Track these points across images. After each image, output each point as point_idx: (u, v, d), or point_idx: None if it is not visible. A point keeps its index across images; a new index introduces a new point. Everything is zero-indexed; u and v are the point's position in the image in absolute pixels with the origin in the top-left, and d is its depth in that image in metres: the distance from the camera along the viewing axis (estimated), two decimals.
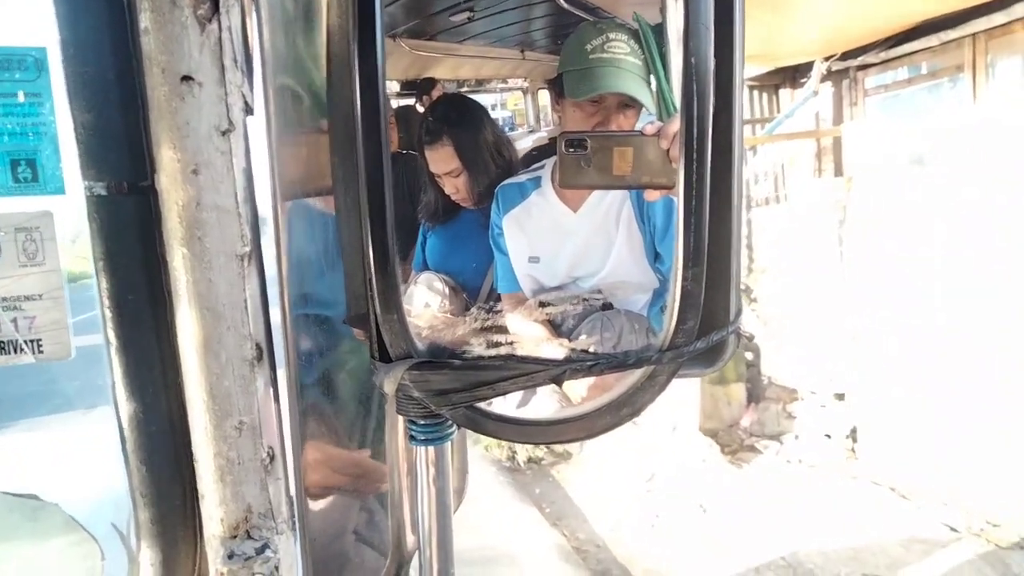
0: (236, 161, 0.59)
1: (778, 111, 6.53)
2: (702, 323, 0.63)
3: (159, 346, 0.63)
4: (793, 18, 4.13)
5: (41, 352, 0.63)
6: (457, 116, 1.68)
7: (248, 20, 0.63)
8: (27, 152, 0.60)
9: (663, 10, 0.65)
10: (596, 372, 0.64)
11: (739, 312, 0.65)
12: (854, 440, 5.30)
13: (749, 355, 5.87)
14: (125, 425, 0.65)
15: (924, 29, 4.40)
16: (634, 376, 0.65)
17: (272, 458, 0.66)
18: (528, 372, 0.64)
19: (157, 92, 0.56)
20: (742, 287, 5.32)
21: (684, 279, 0.62)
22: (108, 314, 0.63)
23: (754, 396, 5.91)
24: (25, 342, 0.62)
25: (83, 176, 0.60)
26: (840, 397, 5.45)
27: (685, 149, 0.62)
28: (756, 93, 6.80)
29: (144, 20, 0.56)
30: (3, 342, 0.62)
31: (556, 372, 0.64)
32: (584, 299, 1.32)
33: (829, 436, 5.39)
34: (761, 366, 5.84)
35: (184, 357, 0.62)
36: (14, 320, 0.61)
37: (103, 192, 0.61)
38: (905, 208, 4.77)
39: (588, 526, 4.70)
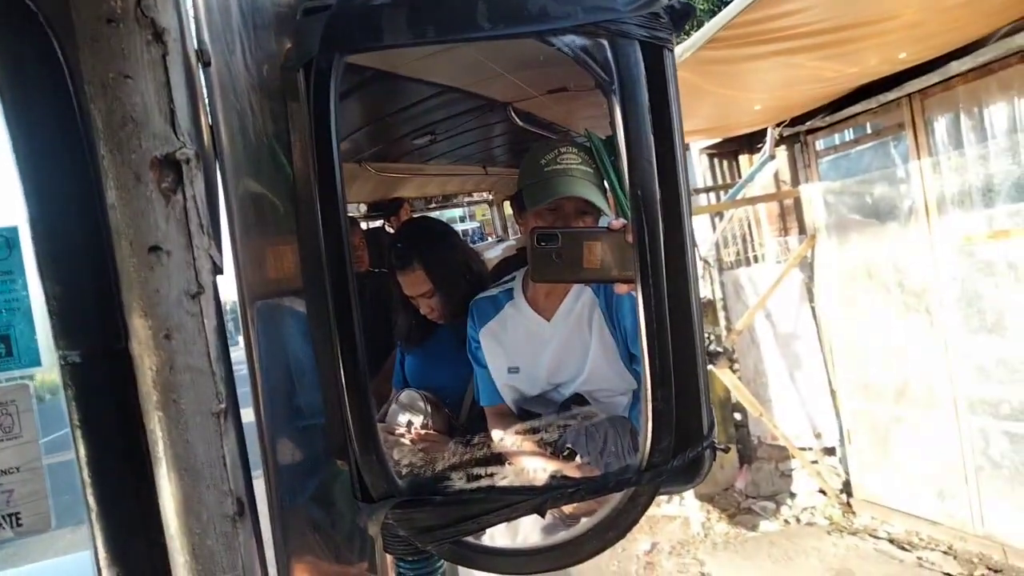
0: (207, 321, 0.60)
1: (739, 176, 6.70)
2: (677, 440, 0.63)
3: (140, 509, 0.62)
4: (741, 91, 4.28)
5: (20, 526, 0.61)
6: (425, 239, 1.70)
7: (213, 177, 0.64)
8: (1, 328, 0.60)
9: (612, 124, 0.67)
10: (577, 498, 0.64)
11: (712, 426, 0.65)
12: (848, 494, 5.24)
13: (738, 416, 5.84)
14: None
15: (864, 92, 4.57)
16: (616, 498, 0.65)
17: None
18: (510, 503, 0.64)
19: (126, 263, 0.57)
20: (720, 349, 5.35)
21: (654, 399, 0.63)
22: (87, 480, 0.62)
23: (746, 457, 5.85)
24: (3, 517, 0.61)
25: (56, 345, 0.60)
26: (830, 451, 5.42)
27: (640, 276, 0.63)
28: (716, 160, 6.98)
29: (110, 196, 0.57)
30: None
31: (537, 501, 0.64)
32: (561, 424, 1.31)
33: (824, 492, 5.32)
34: (749, 426, 5.80)
35: (165, 519, 0.60)
36: None
37: (77, 360, 0.60)
38: (866, 260, 4.86)
39: None
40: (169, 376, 0.58)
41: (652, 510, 5.44)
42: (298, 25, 0.68)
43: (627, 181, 0.66)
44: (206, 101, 0.64)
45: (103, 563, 0.62)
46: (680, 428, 0.63)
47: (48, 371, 0.64)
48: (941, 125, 4.31)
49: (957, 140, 4.21)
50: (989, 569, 4.14)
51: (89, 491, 0.62)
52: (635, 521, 0.64)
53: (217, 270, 0.62)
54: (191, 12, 0.62)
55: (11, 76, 0.59)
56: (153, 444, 0.59)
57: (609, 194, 1.39)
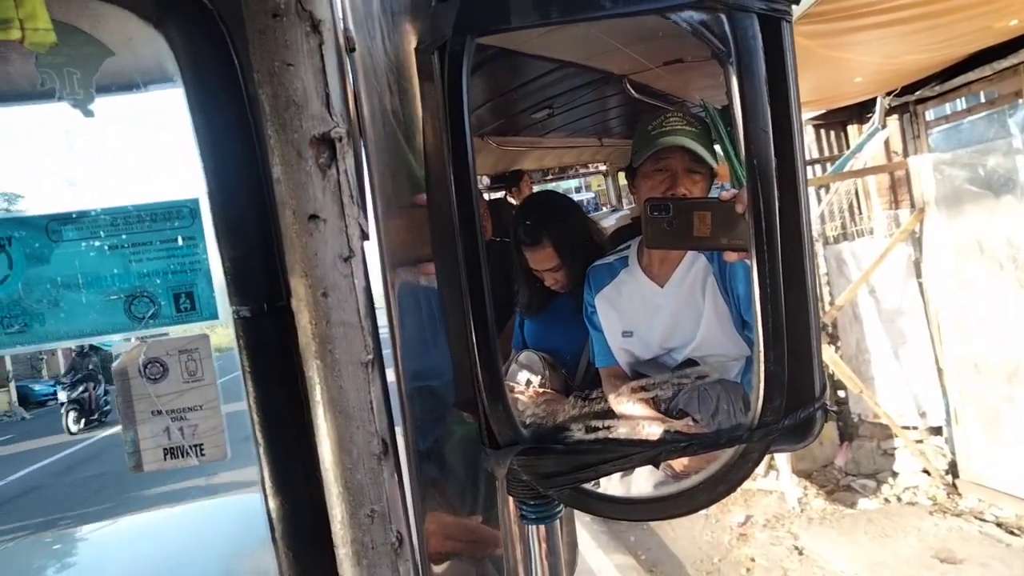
0: (357, 282, 0.66)
1: (846, 147, 6.39)
2: (788, 400, 0.65)
3: (299, 445, 0.69)
4: (850, 57, 4.08)
5: (203, 455, 0.70)
6: (554, 217, 1.73)
7: (359, 155, 0.70)
8: (186, 286, 0.68)
9: (728, 95, 0.68)
10: (690, 452, 0.67)
11: (824, 388, 0.66)
12: (954, 475, 4.99)
13: (840, 393, 5.64)
14: (273, 515, 0.70)
15: (978, 59, 4.28)
16: (727, 453, 0.67)
17: (400, 541, 0.70)
18: (626, 454, 0.67)
19: (289, 230, 0.63)
20: (822, 325, 5.16)
21: (767, 361, 0.64)
22: (255, 418, 0.69)
23: (846, 435, 5.65)
24: (189, 447, 0.69)
25: (230, 302, 0.68)
26: (936, 431, 5.16)
27: (755, 240, 0.64)
28: (823, 131, 6.68)
29: (276, 171, 0.63)
30: (173, 448, 0.69)
31: (652, 453, 0.67)
32: (676, 383, 1.33)
33: (928, 472, 5.09)
34: (850, 403, 5.60)
35: (321, 454, 0.67)
36: (180, 429, 0.68)
37: (247, 314, 0.68)
38: (978, 235, 4.57)
39: (684, 571, 4.56)
40: (325, 329, 0.65)
41: (747, 483, 5.37)
42: (433, 10, 0.73)
43: (742, 151, 0.67)
44: (351, 84, 0.70)
45: (269, 492, 0.70)
46: (792, 388, 0.64)
47: (222, 325, 0.72)
48: None
49: None
50: None
51: (257, 429, 0.69)
52: (745, 476, 0.66)
53: (364, 236, 0.68)
54: (339, 3, 0.68)
55: (190, 67, 0.67)
56: (311, 389, 0.66)
57: (721, 160, 1.39)
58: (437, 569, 0.84)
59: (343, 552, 0.68)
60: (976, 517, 4.62)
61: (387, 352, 0.73)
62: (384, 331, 0.73)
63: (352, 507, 0.67)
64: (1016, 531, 4.35)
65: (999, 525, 4.46)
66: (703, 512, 5.22)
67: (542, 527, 0.77)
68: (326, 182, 0.64)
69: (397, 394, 0.75)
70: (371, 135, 0.73)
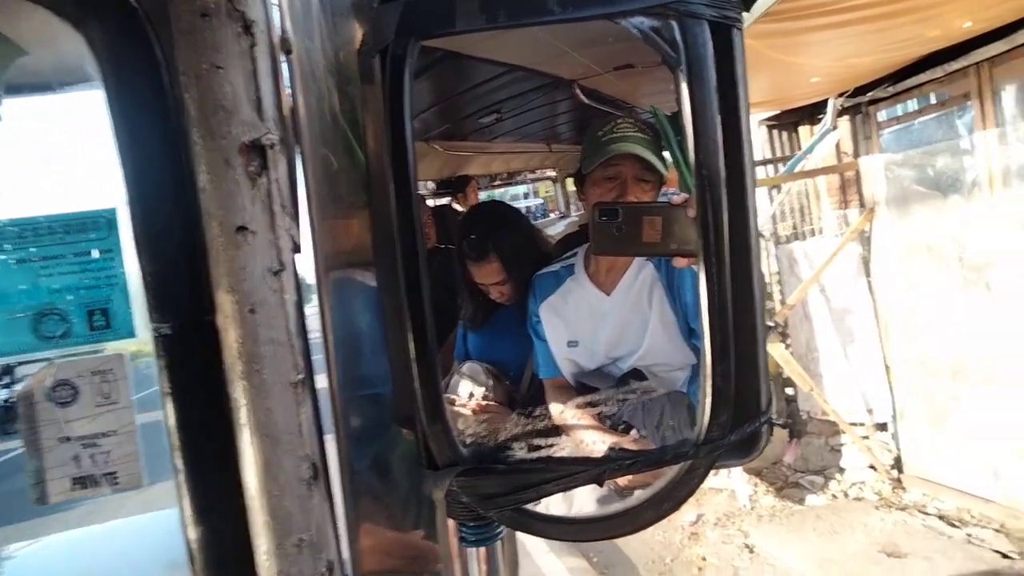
0: (288, 297, 0.63)
1: (798, 148, 6.52)
2: (735, 415, 0.65)
3: (223, 472, 0.66)
4: (803, 61, 4.16)
5: (116, 483, 0.66)
6: (500, 230, 1.70)
7: (293, 160, 0.67)
8: (101, 302, 0.65)
9: (678, 101, 0.68)
10: (635, 470, 0.66)
11: (770, 401, 0.66)
12: (899, 470, 5.15)
13: (789, 391, 5.77)
14: (193, 547, 0.67)
15: (930, 61, 4.40)
16: (672, 470, 0.66)
17: (331, 570, 0.67)
18: (569, 473, 0.66)
19: (215, 243, 0.60)
20: (771, 324, 5.27)
21: (714, 375, 0.64)
22: (176, 443, 0.66)
23: (795, 432, 5.79)
24: (101, 475, 0.66)
25: (150, 319, 0.64)
26: (882, 427, 5.32)
27: (703, 253, 0.64)
28: (775, 132, 6.79)
29: (202, 180, 0.60)
30: (83, 477, 0.65)
31: (596, 472, 0.66)
32: (621, 400, 1.33)
33: (874, 468, 5.24)
34: (799, 401, 5.73)
35: (246, 481, 0.64)
36: (92, 456, 0.65)
37: (168, 332, 0.64)
38: (926, 235, 4.72)
39: (636, 573, 4.61)
40: (252, 348, 0.62)
41: None
42: (375, 12, 0.70)
43: (692, 158, 0.66)
44: (287, 87, 0.67)
45: (189, 522, 0.66)
46: (738, 403, 0.64)
47: (136, 342, 0.68)
48: (1009, 94, 4.12)
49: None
50: None
51: (177, 455, 0.66)
52: (691, 493, 0.66)
53: (296, 248, 0.65)
54: (276, 2, 0.65)
55: (111, 67, 0.63)
56: (236, 411, 0.63)
57: (670, 167, 1.39)
58: None
59: None
60: (920, 511, 4.78)
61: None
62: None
63: (279, 536, 0.64)
64: (957, 523, 4.51)
65: (941, 518, 4.62)
66: None
67: (482, 550, 0.75)
68: (256, 191, 0.61)
69: (331, 411, 0.72)
70: (308, 140, 0.70)
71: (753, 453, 0.68)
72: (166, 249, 0.63)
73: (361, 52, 0.74)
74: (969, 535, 4.34)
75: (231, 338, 0.62)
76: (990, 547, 4.16)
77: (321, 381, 0.71)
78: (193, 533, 0.67)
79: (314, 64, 0.72)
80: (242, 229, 0.60)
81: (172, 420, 0.65)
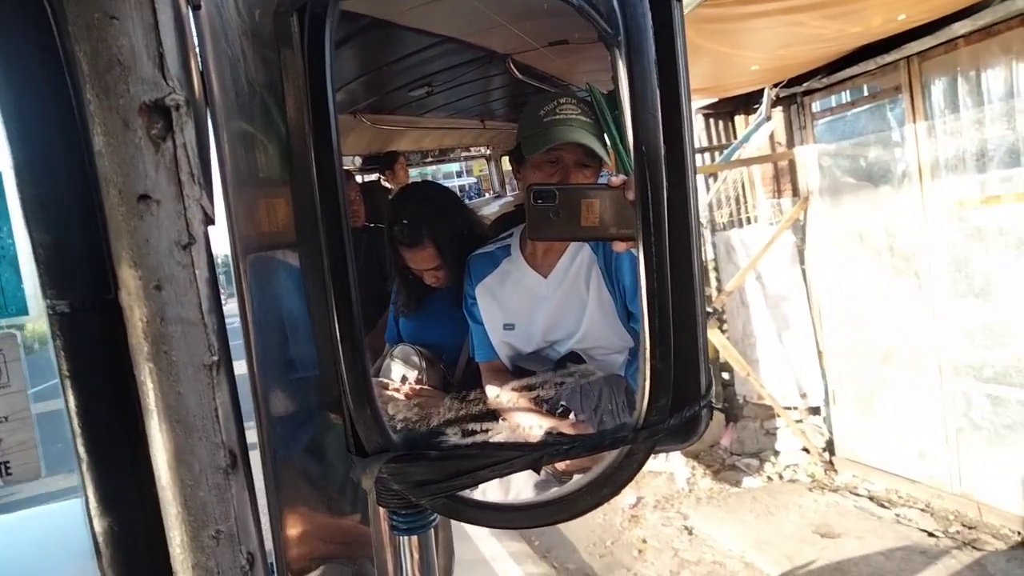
0: (199, 273, 0.58)
1: (733, 137, 6.64)
2: (674, 399, 0.63)
3: (131, 460, 0.61)
4: (740, 49, 4.21)
5: (9, 474, 0.60)
6: (433, 213, 1.63)
7: (204, 126, 0.62)
8: None
9: (615, 79, 0.65)
10: (573, 456, 0.63)
11: (710, 385, 0.65)
12: (831, 453, 5.32)
13: (726, 375, 5.89)
14: (100, 540, 0.62)
15: (863, 54, 4.51)
16: (611, 455, 0.64)
17: (252, 563, 0.63)
18: (505, 459, 0.63)
19: (115, 212, 0.55)
20: (710, 310, 5.37)
21: (652, 358, 0.62)
22: (77, 431, 0.61)
23: (731, 416, 5.92)
24: None
25: (44, 295, 0.59)
26: (815, 411, 5.49)
27: (643, 231, 0.62)
28: (711, 120, 6.90)
29: (98, 143, 0.54)
30: None
31: (533, 458, 0.63)
32: (558, 383, 1.31)
33: (807, 450, 5.41)
34: (736, 385, 5.86)
35: (157, 470, 0.60)
36: None
37: (66, 309, 0.59)
38: (858, 224, 4.86)
39: (578, 555, 4.65)
40: (160, 328, 0.57)
41: None
42: None
43: (630, 136, 0.64)
44: (196, 46, 0.61)
45: (94, 513, 0.61)
46: (678, 387, 0.62)
47: (36, 320, 0.62)
48: (938, 88, 4.27)
49: (953, 104, 4.18)
50: (964, 526, 4.24)
51: (79, 441, 0.61)
52: (630, 478, 0.64)
53: (208, 221, 0.60)
54: None
55: None
56: (144, 396, 0.58)
57: (610, 150, 1.37)
58: None
59: None
60: (851, 492, 4.95)
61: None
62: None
63: (194, 529, 0.60)
64: (886, 504, 4.70)
65: (871, 499, 4.80)
66: None
67: (415, 539, 0.72)
68: (160, 157, 0.56)
69: (252, 396, 0.68)
70: (221, 105, 0.65)
71: (693, 437, 0.66)
72: (60, 218, 0.58)
73: (278, 12, 0.69)
74: (898, 515, 4.52)
75: (136, 317, 0.57)
76: (917, 526, 4.34)
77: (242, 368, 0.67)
78: (99, 525, 0.62)
79: (226, 23, 0.67)
80: (145, 198, 0.55)
81: (73, 405, 0.60)
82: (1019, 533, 4.03)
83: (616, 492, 0.65)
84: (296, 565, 0.77)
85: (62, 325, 0.59)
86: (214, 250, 0.62)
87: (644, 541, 4.68)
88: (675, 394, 0.63)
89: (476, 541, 4.80)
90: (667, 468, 5.51)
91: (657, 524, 4.89)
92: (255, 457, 0.67)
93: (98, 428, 0.61)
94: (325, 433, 0.91)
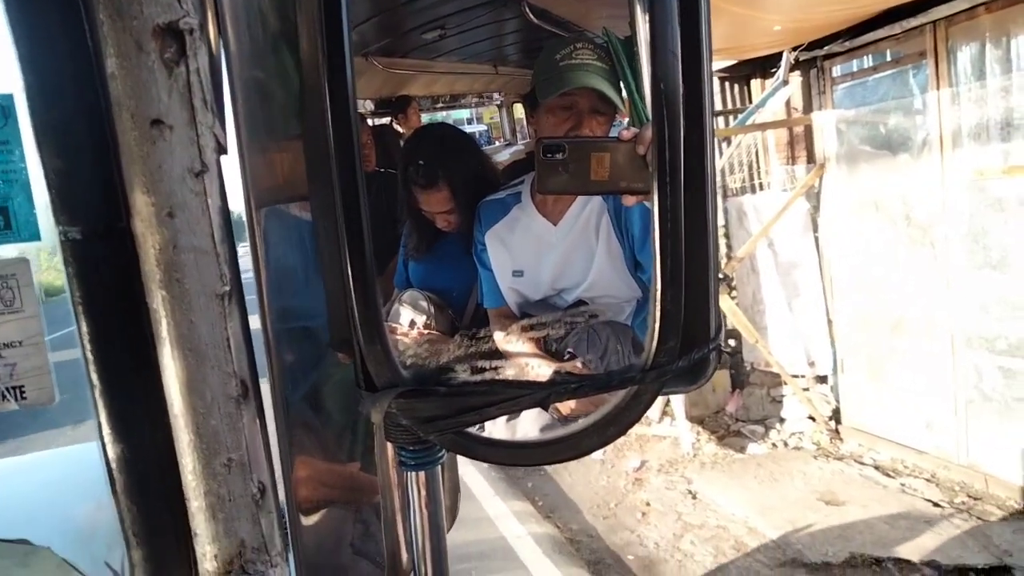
0: (211, 201, 0.58)
1: (749, 101, 6.55)
2: (683, 341, 0.63)
3: (144, 387, 0.62)
4: (761, 12, 4.13)
5: (24, 399, 0.62)
6: (450, 156, 1.61)
7: (217, 57, 0.62)
8: None
9: (632, 24, 0.64)
10: (580, 394, 0.64)
11: (719, 328, 0.65)
12: (837, 421, 5.34)
13: (732, 342, 5.90)
14: (114, 465, 0.64)
15: (887, 17, 4.42)
16: (618, 395, 0.65)
17: (263, 492, 0.65)
18: (513, 397, 0.64)
19: (127, 137, 0.55)
20: (720, 276, 5.36)
21: (663, 300, 0.62)
22: (90, 357, 0.62)
23: (738, 382, 5.94)
24: (7, 389, 0.61)
25: (56, 221, 0.59)
26: (823, 380, 5.50)
27: (658, 173, 0.61)
28: (727, 84, 6.79)
29: (110, 65, 0.54)
30: None
31: (541, 395, 0.64)
32: (567, 322, 1.31)
33: (813, 419, 5.43)
34: (744, 352, 5.87)
35: (169, 398, 0.61)
36: None
37: (78, 236, 0.59)
38: (874, 192, 4.81)
39: (581, 517, 4.71)
40: (172, 255, 0.57)
41: (642, 429, 5.57)
42: None
43: (646, 83, 0.63)
44: None
45: (107, 439, 0.63)
46: (687, 329, 0.62)
47: (48, 249, 0.63)
48: (965, 54, 4.18)
49: (980, 71, 4.09)
50: (969, 497, 4.27)
51: (92, 368, 0.62)
52: (636, 419, 0.64)
53: (221, 149, 0.60)
54: None
55: None
56: (156, 324, 0.59)
57: (625, 98, 1.36)
58: (310, 519, 0.80)
59: (196, 506, 0.62)
60: (856, 461, 4.98)
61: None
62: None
63: (206, 456, 0.61)
64: (891, 473, 4.73)
65: (877, 468, 4.83)
66: (598, 457, 5.40)
67: (422, 474, 0.73)
68: (173, 81, 0.56)
69: (263, 333, 0.68)
70: (233, 34, 0.65)
71: (700, 380, 0.66)
72: (72, 143, 0.58)
73: None
74: (903, 484, 4.55)
75: (148, 244, 0.58)
76: (922, 496, 4.37)
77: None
78: (113, 451, 0.63)
79: None
80: (158, 123, 0.55)
81: (85, 331, 0.61)
82: None
83: (622, 432, 0.65)
84: (303, 506, 0.79)
85: (75, 252, 0.60)
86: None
87: (648, 504, 4.74)
88: (684, 336, 0.63)
89: (481, 500, 4.88)
90: (671, 433, 5.55)
91: (661, 488, 4.94)
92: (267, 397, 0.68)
93: (110, 355, 0.61)
94: (330, 383, 0.92)
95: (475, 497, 4.90)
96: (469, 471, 5.33)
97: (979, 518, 4.05)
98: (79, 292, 0.60)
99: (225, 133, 0.61)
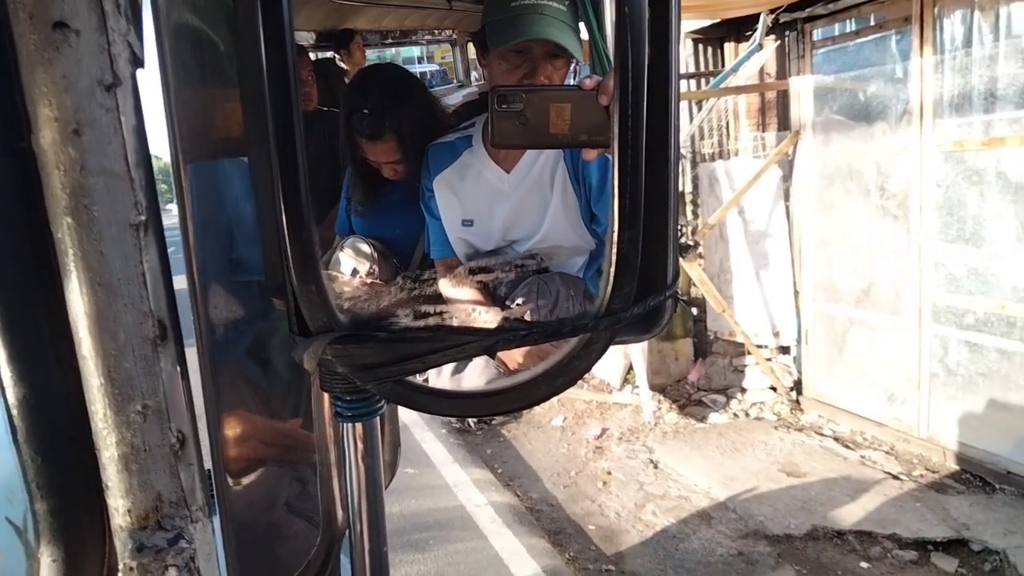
0: (125, 119, 0.54)
1: (723, 65, 6.54)
2: (639, 288, 0.61)
3: (49, 325, 0.58)
4: None
5: None
6: (398, 103, 1.54)
7: None
8: None
9: None
10: (530, 342, 0.62)
11: (676, 275, 0.63)
12: (798, 392, 5.45)
13: (695, 310, 5.96)
14: (14, 411, 0.60)
15: None
16: (570, 344, 0.63)
17: (183, 443, 0.62)
18: (459, 343, 0.61)
19: (26, 41, 0.51)
20: (690, 243, 5.38)
21: (620, 242, 0.60)
22: None
23: (701, 351, 6.02)
24: None
25: None
26: (785, 350, 5.59)
27: (620, 107, 0.59)
28: (701, 47, 6.77)
29: None
30: None
31: (488, 343, 0.61)
32: (518, 265, 1.28)
33: (774, 389, 5.53)
34: (708, 321, 5.94)
35: (78, 337, 0.57)
36: None
37: None
38: (849, 161, 4.85)
39: (541, 485, 4.76)
40: (79, 178, 0.53)
41: (603, 396, 5.61)
42: None
43: (608, 22, 0.60)
44: None
45: (7, 381, 0.59)
46: (643, 275, 0.61)
47: None
48: (952, 20, 4.19)
49: (967, 38, 4.11)
50: (928, 470, 4.40)
51: None
52: (588, 368, 0.63)
53: (138, 62, 0.56)
54: None
55: None
56: (62, 254, 0.55)
57: (584, 36, 1.31)
58: (239, 476, 0.77)
59: (107, 456, 0.59)
60: (817, 432, 5.10)
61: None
62: None
63: (118, 402, 0.58)
64: (851, 445, 4.85)
65: (837, 440, 4.96)
66: (558, 424, 5.45)
67: (359, 427, 0.71)
68: None
69: (187, 279, 0.65)
70: None
71: (655, 328, 0.65)
72: None
73: None
74: (863, 456, 4.67)
75: (52, 164, 0.53)
76: (882, 468, 4.49)
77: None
78: (14, 395, 0.59)
79: None
80: (61, 26, 0.51)
81: None
82: (981, 479, 4.19)
83: (572, 382, 0.64)
84: (232, 461, 0.76)
85: None
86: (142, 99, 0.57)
87: (609, 473, 4.80)
88: (640, 283, 0.61)
89: (439, 468, 4.89)
90: (633, 401, 5.62)
91: (622, 456, 5.00)
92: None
93: (10, 289, 0.57)
94: (269, 338, 0.89)
95: (433, 464, 4.91)
96: (426, 437, 5.34)
97: (937, 491, 4.18)
98: None
99: (143, 45, 0.57)
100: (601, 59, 1.42)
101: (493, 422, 5.60)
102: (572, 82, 1.19)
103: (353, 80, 1.89)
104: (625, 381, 5.80)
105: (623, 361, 5.81)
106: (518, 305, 1.26)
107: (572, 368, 0.62)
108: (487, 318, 1.19)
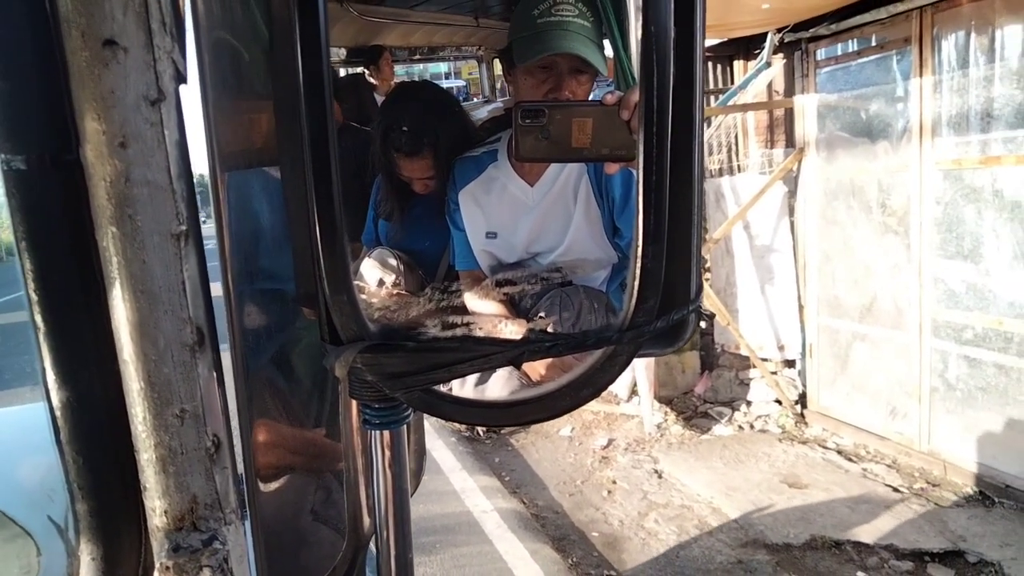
0: (168, 133, 0.55)
1: (731, 82, 6.55)
2: (662, 301, 0.61)
3: (92, 331, 0.59)
4: None
5: None
6: (436, 122, 1.55)
7: None
8: None
9: None
10: (555, 353, 0.62)
11: (700, 289, 0.63)
12: (803, 406, 5.42)
13: (703, 324, 5.94)
14: (58, 414, 0.60)
15: (875, 1, 4.43)
16: (594, 356, 0.63)
17: (218, 446, 0.62)
18: (485, 354, 0.62)
19: (77, 58, 0.52)
20: None
21: (644, 256, 0.60)
22: (34, 296, 0.58)
23: (708, 364, 5.99)
24: None
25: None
26: (791, 364, 5.57)
27: (645, 123, 0.59)
28: (710, 64, 6.79)
29: None
30: None
31: (514, 354, 0.62)
32: (543, 278, 1.28)
33: (779, 402, 5.50)
34: (715, 334, 5.92)
35: (119, 342, 0.57)
36: None
37: (22, 166, 0.56)
38: (852, 178, 4.85)
39: (547, 493, 4.74)
40: (124, 189, 0.54)
41: (610, 408, 5.60)
42: None
43: (633, 38, 0.61)
44: None
45: (52, 385, 0.59)
46: (667, 289, 0.61)
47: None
48: (949, 42, 4.20)
49: (964, 59, 4.12)
50: (928, 483, 4.36)
51: (36, 309, 0.58)
52: (611, 380, 0.63)
53: (181, 78, 0.56)
54: None
55: None
56: (106, 263, 0.56)
57: (609, 51, 1.31)
58: (268, 481, 0.78)
59: (145, 458, 0.59)
60: (820, 445, 5.07)
61: None
62: None
63: (157, 406, 0.58)
64: (853, 458, 4.82)
65: (839, 452, 4.92)
66: (566, 434, 5.44)
67: (386, 434, 0.71)
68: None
69: (223, 287, 0.65)
70: None
71: (679, 342, 0.65)
72: (14, 63, 0.54)
73: None
74: (864, 469, 4.64)
75: (99, 176, 0.54)
76: (883, 481, 4.46)
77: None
78: (58, 398, 0.60)
79: None
80: (111, 43, 0.52)
81: (29, 269, 0.57)
82: (981, 492, 4.16)
83: (596, 394, 0.64)
84: (262, 466, 0.76)
85: (19, 184, 0.56)
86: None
87: (614, 482, 4.78)
88: (664, 296, 0.61)
89: (448, 474, 4.88)
90: (639, 412, 5.60)
91: (627, 466, 4.98)
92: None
93: (56, 295, 0.58)
94: (295, 346, 0.90)
95: (442, 471, 4.90)
96: (436, 444, 5.33)
97: (937, 504, 4.15)
98: (22, 227, 0.57)
99: (185, 62, 0.58)
100: (626, 75, 1.43)
101: (503, 432, 5.59)
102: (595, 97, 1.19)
103: (390, 96, 1.90)
104: (632, 392, 5.78)
105: (630, 373, 5.80)
106: (541, 318, 1.26)
107: (595, 380, 0.62)
108: (512, 330, 1.19)
